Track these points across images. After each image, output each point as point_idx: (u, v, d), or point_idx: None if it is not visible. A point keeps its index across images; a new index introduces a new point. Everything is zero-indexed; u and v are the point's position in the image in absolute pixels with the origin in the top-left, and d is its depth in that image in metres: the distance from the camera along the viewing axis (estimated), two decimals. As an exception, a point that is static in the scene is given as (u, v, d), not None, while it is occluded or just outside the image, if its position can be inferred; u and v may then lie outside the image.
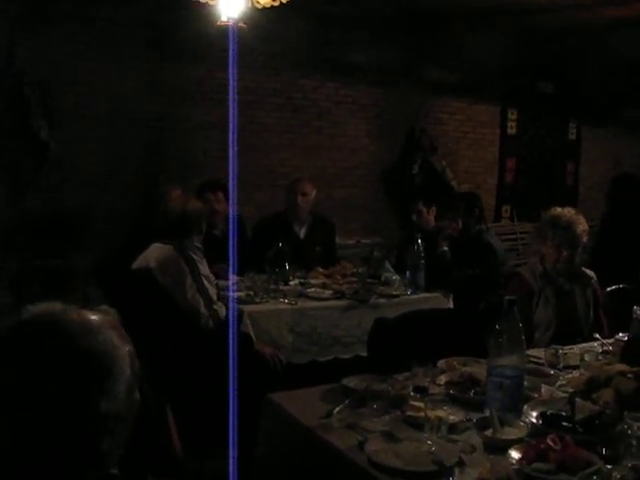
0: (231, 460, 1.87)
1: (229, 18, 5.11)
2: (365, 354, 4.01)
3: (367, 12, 6.94)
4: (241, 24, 5.13)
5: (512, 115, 8.43)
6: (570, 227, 3.69)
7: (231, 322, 3.50)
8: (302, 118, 6.97)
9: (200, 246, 4.16)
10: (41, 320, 1.35)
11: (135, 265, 4.14)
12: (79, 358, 1.31)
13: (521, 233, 8.32)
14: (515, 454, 2.05)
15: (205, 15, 5.32)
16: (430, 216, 5.77)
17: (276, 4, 2.96)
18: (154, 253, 4.11)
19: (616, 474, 1.92)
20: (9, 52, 5.49)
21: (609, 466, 1.97)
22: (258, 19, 5.59)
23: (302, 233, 5.65)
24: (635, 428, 2.06)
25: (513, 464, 1.98)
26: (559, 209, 3.80)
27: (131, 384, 1.37)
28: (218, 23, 5.19)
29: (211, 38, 5.92)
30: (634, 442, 2.07)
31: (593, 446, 2.06)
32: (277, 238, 4.98)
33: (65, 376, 1.29)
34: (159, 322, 3.65)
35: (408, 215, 5.86)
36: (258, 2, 2.93)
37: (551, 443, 2.02)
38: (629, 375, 2.49)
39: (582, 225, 3.72)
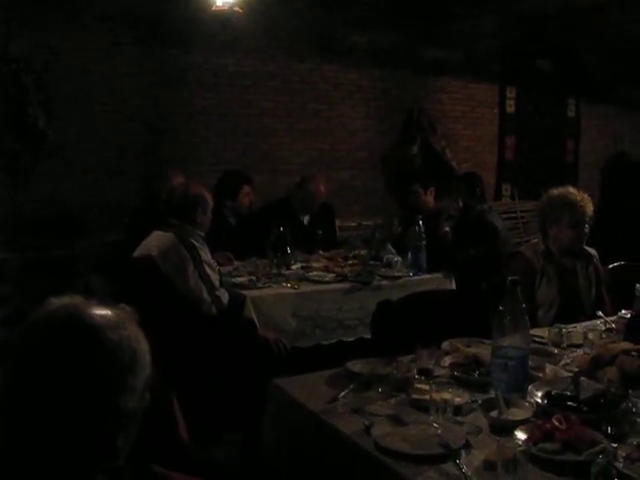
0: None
1: (224, 3, 5.12)
2: (368, 336, 4.01)
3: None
4: (237, 9, 5.12)
5: (511, 93, 8.40)
6: (584, 207, 3.69)
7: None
8: (300, 101, 6.94)
9: (202, 233, 4.15)
10: (65, 312, 1.33)
11: (136, 253, 4.13)
12: (104, 352, 1.29)
13: (522, 211, 8.30)
14: (521, 435, 2.06)
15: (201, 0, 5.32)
16: (429, 197, 5.77)
17: (272, -13, 2.94)
18: (155, 241, 4.10)
19: (621, 452, 1.92)
20: (6, 41, 5.45)
21: (614, 444, 1.97)
22: (254, 2, 5.59)
23: (306, 219, 5.67)
24: (640, 406, 2.07)
25: (519, 445, 1.98)
26: (570, 190, 3.78)
27: (147, 382, 1.36)
28: (213, 8, 5.19)
29: (207, 23, 5.91)
30: (639, 420, 2.07)
31: (598, 425, 2.06)
32: (280, 223, 4.97)
33: (89, 370, 1.28)
34: (161, 309, 3.65)
35: (407, 197, 5.85)
36: (254, -14, 2.91)
37: (557, 423, 2.03)
38: (633, 353, 2.49)
39: (590, 204, 3.74)
